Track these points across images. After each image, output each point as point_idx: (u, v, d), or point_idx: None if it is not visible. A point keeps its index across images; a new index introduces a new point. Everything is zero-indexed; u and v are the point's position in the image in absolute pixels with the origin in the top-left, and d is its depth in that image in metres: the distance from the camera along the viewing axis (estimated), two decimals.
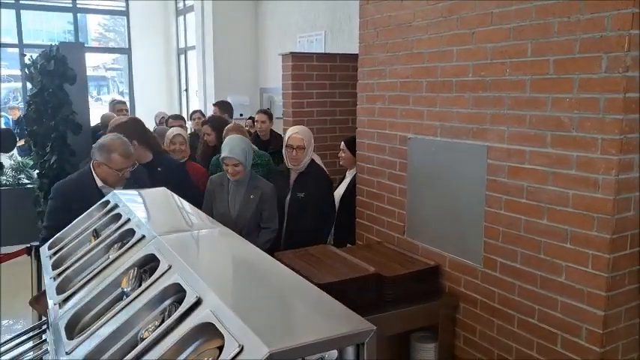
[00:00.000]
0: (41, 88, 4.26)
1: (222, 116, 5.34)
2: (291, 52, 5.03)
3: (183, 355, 0.96)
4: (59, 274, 1.54)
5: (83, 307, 1.27)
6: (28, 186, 6.31)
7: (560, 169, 2.30)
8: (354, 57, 4.76)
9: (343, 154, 4.06)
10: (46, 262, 1.69)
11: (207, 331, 0.97)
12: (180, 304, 1.13)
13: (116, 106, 6.25)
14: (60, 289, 1.44)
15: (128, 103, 8.92)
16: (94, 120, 6.12)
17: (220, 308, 0.96)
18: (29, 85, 4.75)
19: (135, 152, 3.19)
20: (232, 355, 0.83)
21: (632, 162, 2.13)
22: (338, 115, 5.03)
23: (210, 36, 8.44)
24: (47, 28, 10.52)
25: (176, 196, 2.05)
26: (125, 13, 10.60)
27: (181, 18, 10.32)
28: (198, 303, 1.03)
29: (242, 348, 0.83)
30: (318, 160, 4.04)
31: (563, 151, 2.29)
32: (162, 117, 6.86)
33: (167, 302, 1.16)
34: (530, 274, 2.46)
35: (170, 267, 1.21)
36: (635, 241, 2.21)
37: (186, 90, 10.49)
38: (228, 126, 4.49)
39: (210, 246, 1.42)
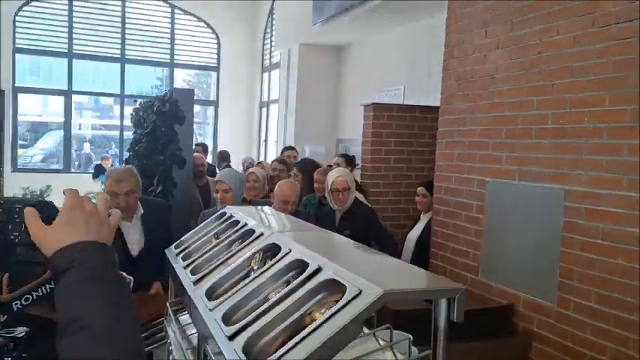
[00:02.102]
0: (154, 128, 4.85)
1: (313, 160, 5.42)
2: (373, 103, 5.38)
3: (309, 304, 1.21)
4: (189, 264, 1.84)
5: (217, 282, 1.55)
6: None
7: (636, 211, 2.41)
8: (433, 109, 5.05)
9: (424, 199, 4.14)
10: (174, 257, 2.00)
11: (329, 288, 1.21)
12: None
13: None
14: (192, 273, 1.74)
15: (212, 151, 9.55)
16: None
17: (340, 270, 1.21)
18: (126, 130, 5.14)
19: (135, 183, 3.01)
20: (352, 295, 1.08)
21: None
22: (414, 164, 5.26)
23: (294, 89, 9.03)
24: (135, 81, 11.60)
25: (280, 213, 2.33)
26: (216, 69, 11.57)
27: (266, 74, 11.11)
28: (319, 270, 1.28)
29: (360, 291, 1.08)
30: (360, 198, 4.18)
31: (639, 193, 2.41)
32: (250, 163, 7.31)
33: (289, 274, 1.42)
34: (604, 313, 2.52)
35: (290, 250, 1.48)
36: None
37: (266, 140, 11.13)
38: (320, 169, 4.63)
39: (322, 239, 1.70)
